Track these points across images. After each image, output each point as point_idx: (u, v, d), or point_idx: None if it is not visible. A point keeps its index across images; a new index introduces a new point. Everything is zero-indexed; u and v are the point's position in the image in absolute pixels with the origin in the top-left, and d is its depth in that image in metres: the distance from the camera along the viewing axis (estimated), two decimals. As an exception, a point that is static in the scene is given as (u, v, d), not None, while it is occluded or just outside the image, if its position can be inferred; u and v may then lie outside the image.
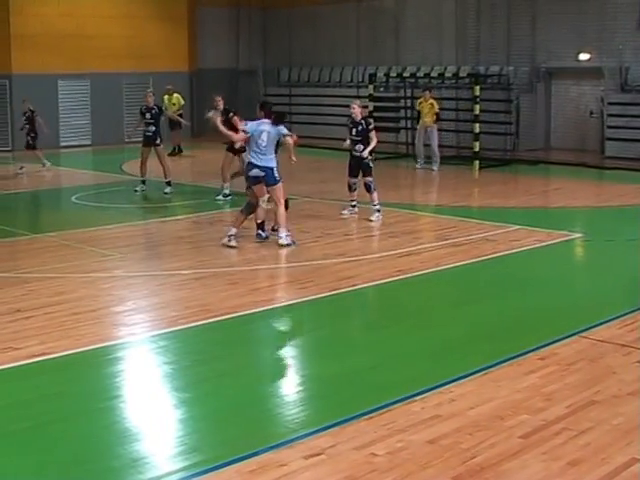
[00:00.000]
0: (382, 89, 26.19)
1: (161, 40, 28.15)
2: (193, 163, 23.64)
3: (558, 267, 11.30)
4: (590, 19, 22.59)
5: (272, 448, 5.61)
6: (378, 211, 14.00)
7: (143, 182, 17.39)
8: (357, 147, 14.03)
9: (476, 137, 20.98)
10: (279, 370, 7.56)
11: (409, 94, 24.15)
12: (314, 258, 11.41)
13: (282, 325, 8.99)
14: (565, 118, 24.07)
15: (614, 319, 8.47)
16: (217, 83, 28.87)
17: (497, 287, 10.25)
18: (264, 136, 11.97)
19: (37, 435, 5.93)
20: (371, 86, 23.45)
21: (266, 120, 12.16)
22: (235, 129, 13.24)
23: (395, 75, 24.81)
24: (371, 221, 13.87)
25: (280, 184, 12.11)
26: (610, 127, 21.95)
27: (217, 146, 25.93)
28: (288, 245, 11.88)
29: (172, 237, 13.18)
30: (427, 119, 20.61)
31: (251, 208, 12.30)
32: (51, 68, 25.60)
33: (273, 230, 12.41)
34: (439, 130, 21.18)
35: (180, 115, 24.02)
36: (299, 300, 9.43)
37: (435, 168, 20.50)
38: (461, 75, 23.73)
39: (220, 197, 16.05)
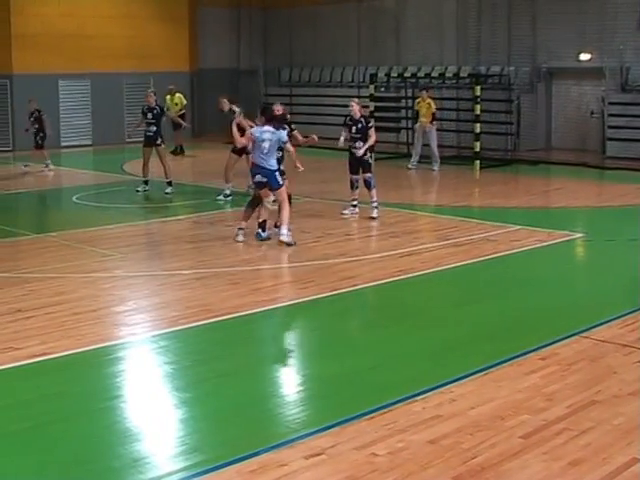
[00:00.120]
0: (383, 89, 26.20)
1: (162, 40, 28.16)
2: (194, 163, 23.64)
3: (559, 267, 11.30)
4: (591, 19, 22.58)
5: (273, 448, 5.61)
6: (376, 207, 14.16)
7: (145, 182, 17.40)
8: (357, 144, 14.11)
9: (477, 137, 20.98)
10: (280, 370, 7.56)
11: (410, 94, 24.15)
12: (315, 258, 11.41)
13: (283, 325, 8.99)
14: (566, 118, 24.06)
15: (615, 319, 8.46)
16: (218, 83, 28.92)
17: (498, 287, 10.25)
18: (266, 144, 12.08)
19: (38, 435, 5.93)
20: (372, 86, 23.47)
21: (268, 127, 12.20)
22: (242, 130, 13.37)
23: (396, 75, 24.81)
24: (372, 218, 13.99)
25: (284, 187, 12.26)
26: (611, 127, 21.94)
27: (218, 146, 25.99)
28: (288, 244, 11.88)
29: (173, 237, 13.18)
30: (424, 119, 20.58)
31: (256, 202, 12.45)
32: (52, 68, 25.61)
33: (276, 226, 12.44)
34: (437, 130, 21.16)
35: (183, 115, 24.14)
36: (300, 300, 9.43)
37: (436, 168, 20.49)
38: (462, 75, 23.73)
39: (221, 197, 16.06)
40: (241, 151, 15.35)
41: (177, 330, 8.29)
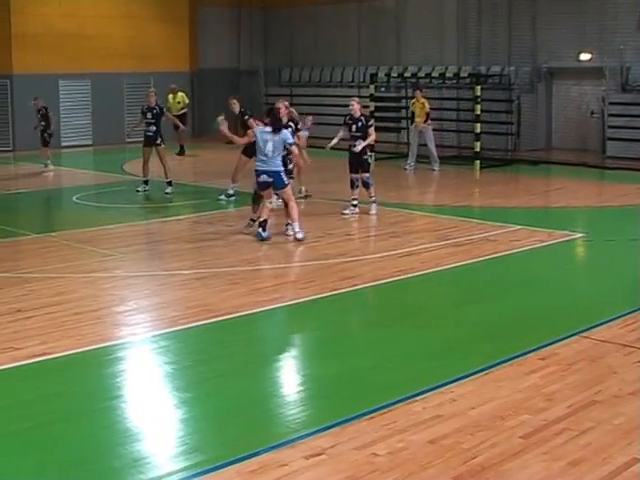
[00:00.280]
0: (383, 89, 26.19)
1: (162, 40, 28.16)
2: (194, 163, 23.64)
3: (559, 267, 11.30)
4: (591, 19, 22.58)
5: (273, 448, 5.61)
6: (374, 202, 14.40)
7: (146, 182, 17.41)
8: (357, 143, 14.18)
9: (477, 137, 20.97)
10: (280, 370, 7.56)
11: (410, 94, 24.13)
12: (315, 258, 11.41)
13: (283, 325, 8.99)
14: (566, 118, 24.05)
15: (615, 319, 8.46)
16: (218, 83, 28.96)
17: (498, 287, 10.25)
18: (269, 146, 12.14)
19: (38, 435, 5.93)
20: (372, 86, 23.47)
21: (269, 128, 12.28)
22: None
23: (396, 75, 24.81)
24: (371, 214, 14.22)
25: (289, 186, 12.41)
26: (611, 127, 21.94)
27: (218, 146, 25.99)
28: (303, 239, 12.12)
29: (173, 237, 13.18)
30: (418, 119, 20.57)
31: (258, 198, 12.59)
32: (52, 68, 25.60)
33: (287, 225, 12.56)
34: (438, 130, 21.14)
35: (184, 114, 24.22)
36: (300, 300, 9.43)
37: (436, 168, 20.47)
38: (462, 75, 23.72)
39: (223, 197, 16.04)
40: (252, 153, 15.34)
41: (177, 330, 8.29)
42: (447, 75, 24.13)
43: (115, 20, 27.19)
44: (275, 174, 12.20)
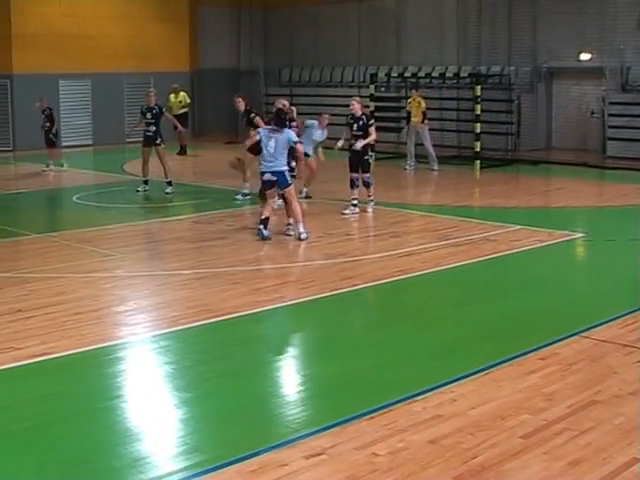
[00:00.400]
0: (383, 89, 26.19)
1: (162, 40, 28.16)
2: (194, 163, 23.64)
3: (559, 267, 11.30)
4: (591, 19, 22.59)
5: (273, 448, 5.61)
6: (372, 202, 14.59)
7: (145, 182, 17.41)
8: (358, 142, 14.24)
9: (477, 137, 20.97)
10: (280, 370, 7.56)
11: (410, 94, 24.14)
12: (315, 258, 11.42)
13: (283, 325, 8.99)
14: (566, 118, 24.06)
15: (615, 319, 8.46)
16: (218, 83, 28.98)
17: (498, 287, 10.25)
18: (272, 143, 12.19)
19: (38, 435, 5.93)
20: (372, 86, 23.46)
21: (276, 127, 12.35)
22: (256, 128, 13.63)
23: (396, 75, 24.81)
24: (368, 212, 14.40)
25: (293, 186, 12.48)
26: (611, 127, 21.94)
27: (218, 146, 26.04)
28: (307, 238, 12.22)
29: (173, 237, 13.18)
30: (415, 119, 20.55)
31: (264, 196, 12.70)
32: (52, 68, 25.60)
33: (289, 224, 12.63)
34: (438, 130, 21.12)
35: (185, 114, 24.32)
36: (300, 300, 9.43)
37: (435, 167, 20.46)
38: (462, 75, 23.73)
39: (239, 196, 16.01)
40: (258, 150, 15.35)
41: (177, 330, 8.29)
42: (447, 75, 24.14)
43: (115, 20, 27.19)
44: (279, 173, 12.26)
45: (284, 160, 12.33)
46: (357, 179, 14.43)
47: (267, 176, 12.34)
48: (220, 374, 7.19)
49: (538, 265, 11.32)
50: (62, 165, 21.13)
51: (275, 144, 12.25)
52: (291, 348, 8.21)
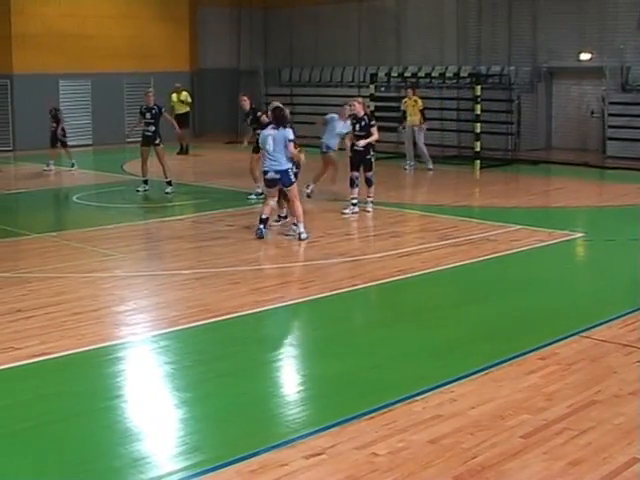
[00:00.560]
0: (383, 89, 26.19)
1: (162, 40, 28.16)
2: (194, 163, 23.64)
3: (559, 267, 11.30)
4: (591, 19, 22.60)
5: (273, 448, 5.61)
6: (373, 203, 14.62)
7: (145, 182, 17.42)
8: (360, 142, 14.28)
9: (477, 137, 20.96)
10: (280, 370, 7.56)
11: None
12: (315, 258, 11.42)
13: (283, 325, 8.98)
14: (566, 118, 24.07)
15: (615, 319, 8.46)
16: (218, 83, 28.98)
17: (498, 287, 10.25)
18: (269, 141, 12.23)
19: (38, 435, 5.93)
20: (372, 86, 23.46)
21: (272, 125, 12.41)
22: (263, 127, 13.62)
23: (396, 75, 24.82)
24: (367, 211, 14.44)
25: (295, 184, 12.50)
26: (611, 127, 21.94)
27: (218, 146, 26.04)
28: (307, 238, 12.25)
29: (173, 237, 13.19)
30: (413, 118, 20.51)
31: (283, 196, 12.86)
32: (52, 68, 25.61)
33: (294, 225, 12.61)
34: (438, 130, 21.10)
35: (187, 113, 24.40)
36: (300, 300, 9.43)
37: (430, 167, 20.42)
38: (462, 75, 23.74)
39: (253, 196, 15.99)
40: (259, 149, 15.38)
41: (177, 330, 8.29)
42: (447, 75, 24.14)
43: (115, 20, 27.19)
44: (283, 172, 12.30)
45: (284, 158, 12.34)
46: (357, 178, 14.47)
47: (270, 175, 12.37)
48: (220, 374, 7.18)
49: (538, 265, 11.32)
50: (72, 165, 21.12)
51: (273, 142, 12.29)
52: (291, 348, 8.20)
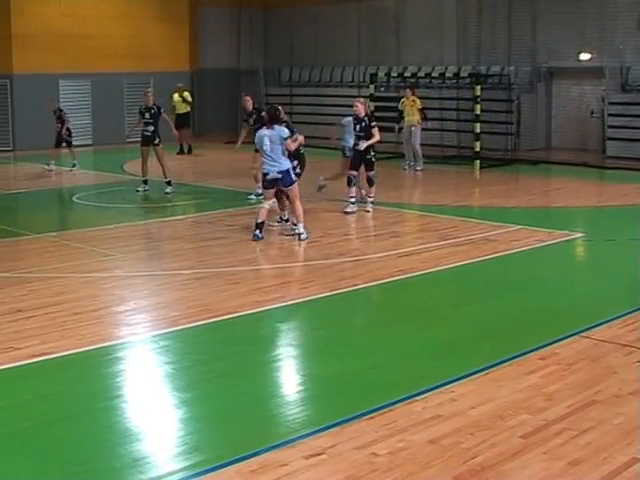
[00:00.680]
0: (383, 89, 26.19)
1: (162, 40, 28.17)
2: (194, 163, 23.65)
3: (559, 267, 11.30)
4: (591, 19, 22.60)
5: (273, 448, 5.61)
6: (372, 203, 14.64)
7: (145, 182, 17.42)
8: (361, 142, 14.32)
9: (477, 137, 20.97)
10: (280, 370, 7.56)
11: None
12: (315, 258, 11.42)
13: (283, 325, 8.98)
14: (566, 118, 24.07)
15: (615, 319, 8.46)
16: (218, 83, 28.99)
17: (498, 287, 10.25)
18: (266, 141, 12.22)
19: (38, 435, 5.93)
20: (372, 86, 23.45)
21: (269, 124, 12.41)
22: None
23: (396, 75, 24.83)
24: (367, 211, 14.46)
25: (296, 184, 12.51)
26: (611, 127, 21.95)
27: (218, 146, 26.03)
28: (307, 238, 12.25)
29: (173, 237, 13.19)
30: (410, 118, 20.49)
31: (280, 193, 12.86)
32: (52, 68, 25.61)
33: (294, 225, 12.62)
34: (438, 130, 21.08)
35: (188, 113, 24.48)
36: (300, 300, 9.43)
37: (419, 167, 20.39)
38: (462, 75, 23.74)
39: (252, 196, 15.98)
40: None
41: (177, 330, 8.29)
42: (447, 75, 24.15)
43: (115, 20, 27.20)
44: (284, 172, 12.29)
45: (284, 157, 12.33)
46: (354, 177, 14.53)
47: (271, 175, 12.35)
48: (220, 374, 7.18)
49: (538, 265, 11.32)
50: (74, 165, 21.12)
51: (270, 142, 12.27)
52: (291, 348, 8.20)
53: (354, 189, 14.50)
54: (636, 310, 8.67)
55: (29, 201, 17.54)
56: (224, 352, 7.81)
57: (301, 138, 12.97)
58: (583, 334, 8.00)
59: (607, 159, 21.50)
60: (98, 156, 25.16)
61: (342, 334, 8.41)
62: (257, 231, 12.32)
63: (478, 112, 20.86)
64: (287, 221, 13.21)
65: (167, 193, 17.02)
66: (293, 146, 12.56)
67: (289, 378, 7.40)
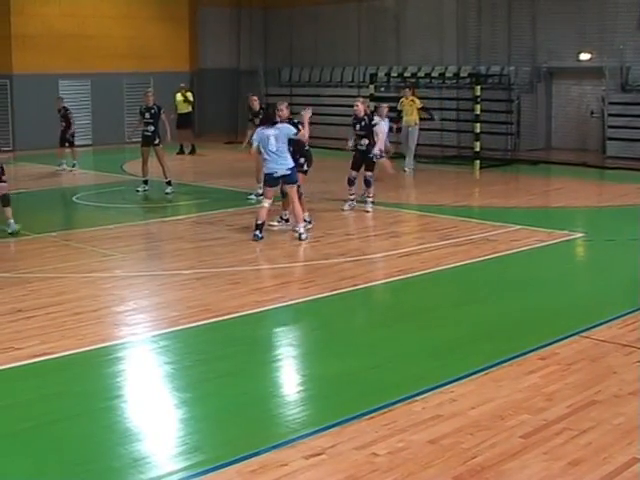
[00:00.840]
0: (383, 89, 26.18)
1: (162, 40, 28.17)
2: (194, 163, 23.64)
3: (559, 267, 11.30)
4: (591, 19, 22.59)
5: (273, 448, 5.61)
6: (372, 203, 14.63)
7: (145, 182, 17.42)
8: (362, 142, 14.39)
9: (477, 137, 20.97)
10: (280, 370, 7.56)
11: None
12: (315, 258, 11.42)
13: (283, 325, 8.98)
14: (566, 118, 24.07)
15: (615, 319, 8.47)
16: (218, 83, 28.98)
17: (498, 287, 10.25)
18: (272, 140, 12.20)
19: (38, 435, 5.93)
20: (372, 86, 23.45)
21: (272, 124, 12.39)
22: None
23: (396, 75, 24.83)
24: (367, 211, 14.44)
25: (296, 185, 12.52)
26: (611, 127, 21.95)
27: (219, 146, 26.03)
28: (306, 239, 12.25)
29: (173, 237, 13.19)
30: (409, 117, 20.48)
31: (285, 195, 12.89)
32: (52, 68, 25.61)
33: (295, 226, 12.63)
34: (438, 130, 21.06)
35: (190, 113, 24.56)
36: (300, 300, 9.43)
37: (407, 170, 20.30)
38: (462, 75, 23.74)
39: (253, 196, 15.97)
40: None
41: (177, 330, 8.29)
42: (447, 75, 24.15)
43: (115, 20, 27.20)
44: (292, 169, 12.32)
45: (289, 156, 12.35)
46: (355, 177, 14.55)
47: (280, 173, 12.34)
48: (220, 374, 7.19)
49: (538, 265, 11.32)
50: (74, 166, 21.12)
51: (275, 141, 12.25)
52: (291, 348, 8.20)
53: (354, 188, 14.53)
54: (636, 310, 8.67)
55: (29, 201, 17.51)
56: (224, 352, 7.81)
57: (309, 113, 12.91)
58: (583, 334, 8.01)
59: (607, 159, 21.50)
60: (98, 156, 25.15)
61: (342, 334, 8.41)
62: (257, 231, 12.31)
63: (478, 112, 20.87)
64: (287, 221, 13.21)
65: (167, 193, 17.02)
66: (307, 133, 12.63)
67: (289, 378, 7.40)
